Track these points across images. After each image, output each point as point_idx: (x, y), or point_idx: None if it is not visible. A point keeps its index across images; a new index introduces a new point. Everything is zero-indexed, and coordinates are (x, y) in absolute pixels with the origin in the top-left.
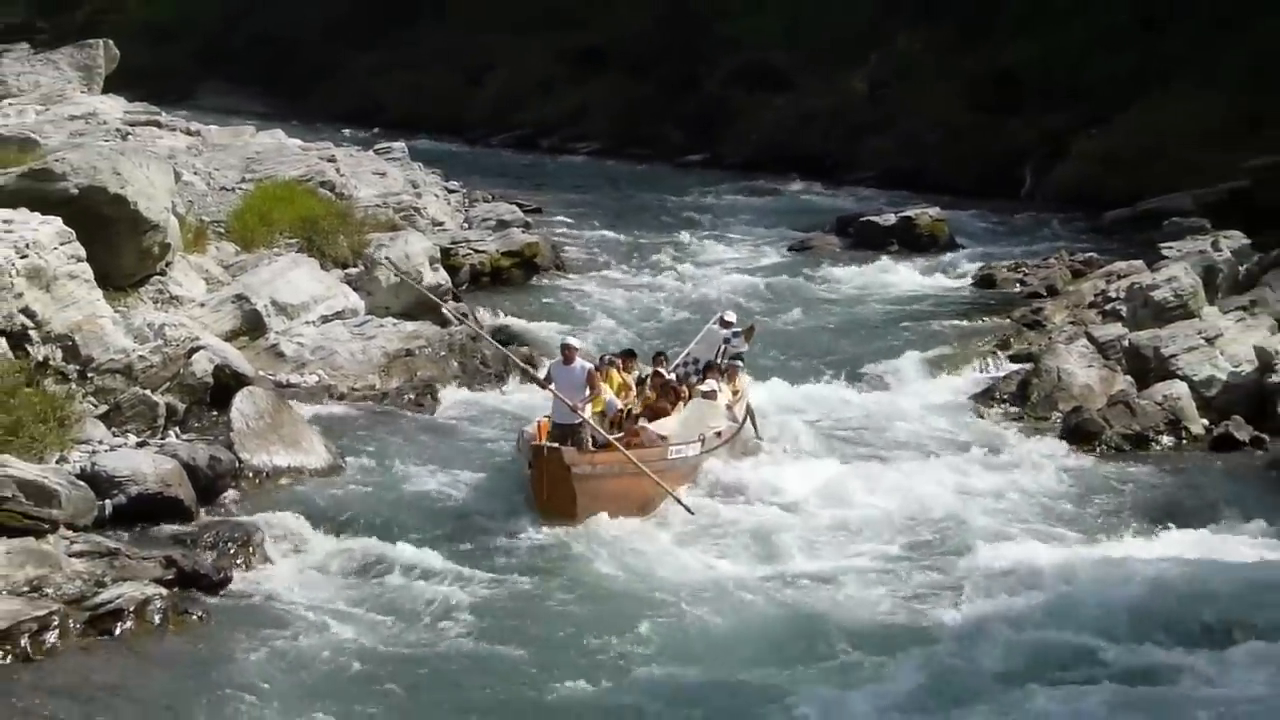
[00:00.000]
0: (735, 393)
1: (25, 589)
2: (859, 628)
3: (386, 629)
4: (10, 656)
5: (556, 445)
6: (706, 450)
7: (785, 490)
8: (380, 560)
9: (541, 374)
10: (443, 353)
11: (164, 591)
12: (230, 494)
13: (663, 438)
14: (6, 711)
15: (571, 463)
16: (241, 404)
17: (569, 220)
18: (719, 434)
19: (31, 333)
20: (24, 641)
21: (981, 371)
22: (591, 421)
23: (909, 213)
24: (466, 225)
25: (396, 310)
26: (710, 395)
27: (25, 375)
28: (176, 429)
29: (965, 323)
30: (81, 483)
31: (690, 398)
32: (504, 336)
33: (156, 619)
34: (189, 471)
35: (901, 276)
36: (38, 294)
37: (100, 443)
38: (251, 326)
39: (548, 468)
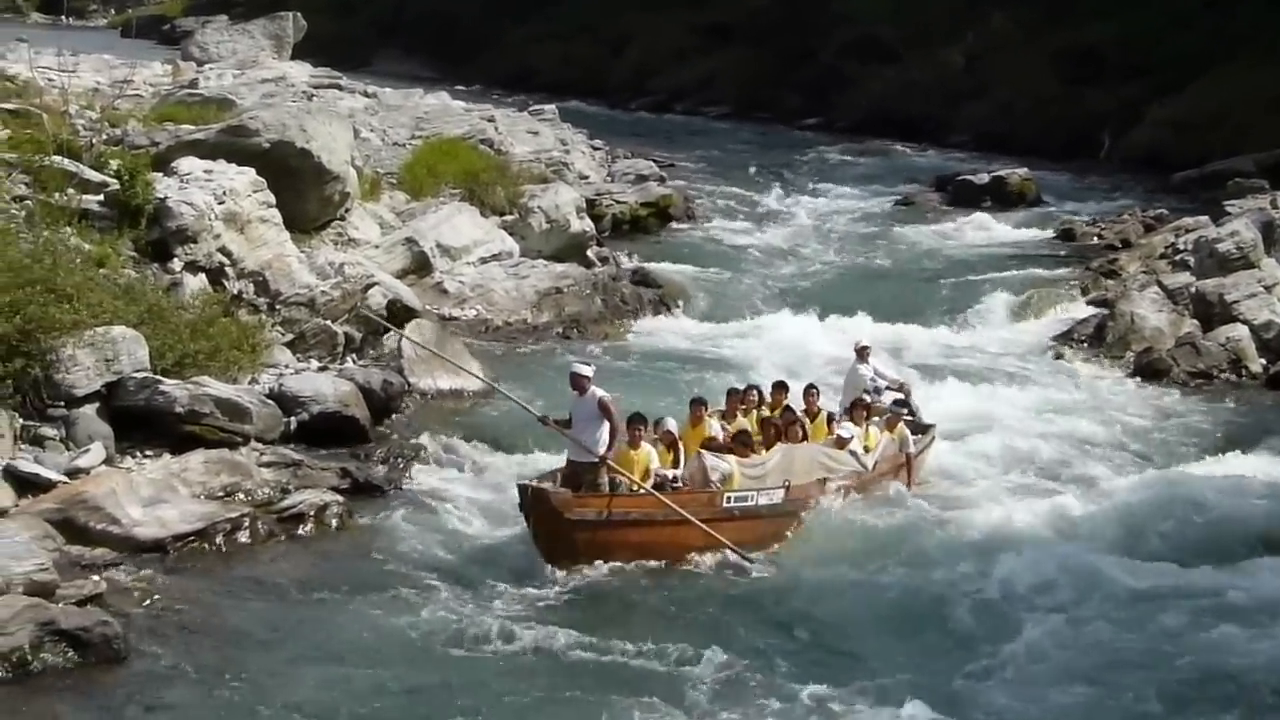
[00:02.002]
0: (891, 436)
1: (220, 494)
2: (958, 534)
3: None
4: (207, 552)
5: (544, 486)
6: (794, 499)
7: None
8: (527, 469)
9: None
10: (587, 291)
11: (340, 499)
12: (400, 413)
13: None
14: (203, 598)
15: (564, 508)
16: (410, 334)
17: (699, 175)
18: (821, 482)
19: (228, 269)
20: (219, 539)
21: (1063, 315)
22: (616, 465)
23: (1000, 172)
24: (609, 179)
25: (547, 253)
26: (841, 442)
27: (222, 307)
28: (353, 355)
29: (1048, 271)
30: (270, 402)
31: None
32: (640, 277)
33: (333, 522)
34: (364, 393)
35: (993, 229)
36: (234, 235)
37: (287, 367)
38: (419, 266)
39: (538, 515)
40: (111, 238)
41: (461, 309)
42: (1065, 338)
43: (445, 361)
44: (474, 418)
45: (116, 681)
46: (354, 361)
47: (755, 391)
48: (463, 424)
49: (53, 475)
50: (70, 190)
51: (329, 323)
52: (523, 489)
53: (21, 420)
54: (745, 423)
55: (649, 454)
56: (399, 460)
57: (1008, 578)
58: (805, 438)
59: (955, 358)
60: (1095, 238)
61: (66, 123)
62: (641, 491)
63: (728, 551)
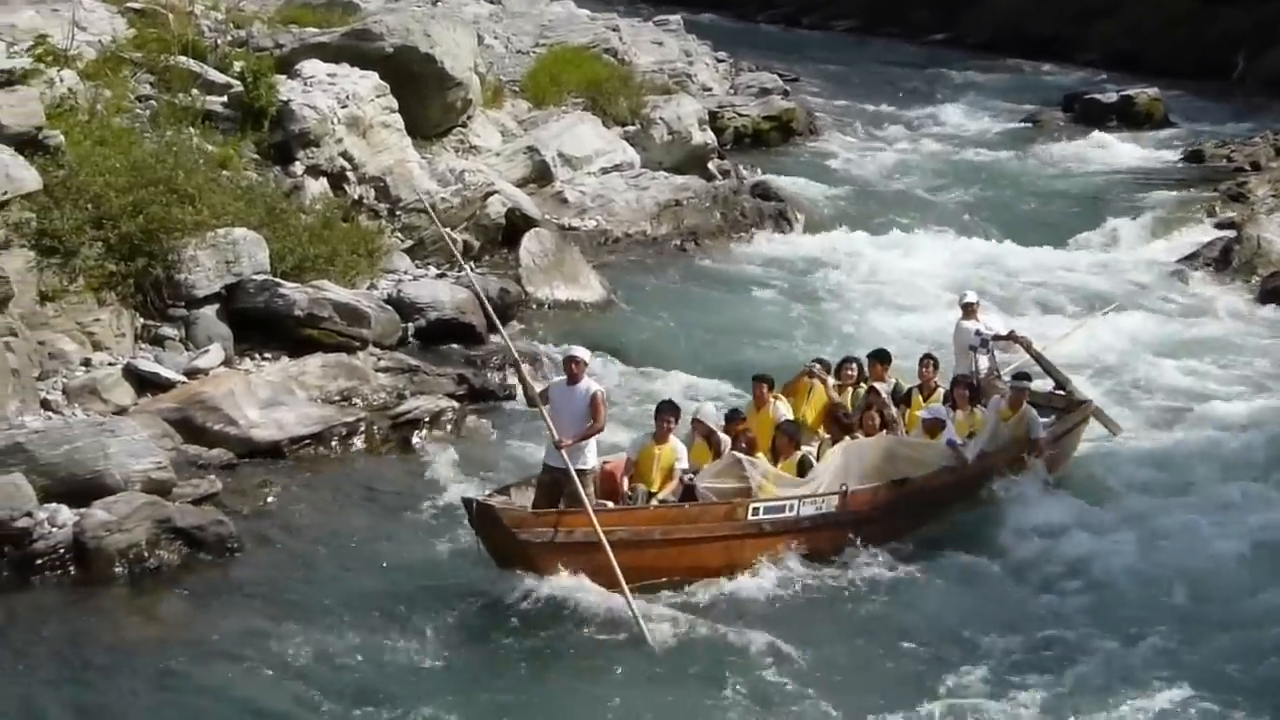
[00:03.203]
0: (1009, 418)
1: (337, 398)
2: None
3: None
4: (322, 456)
5: (493, 502)
6: (853, 507)
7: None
8: (641, 381)
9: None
10: (707, 204)
11: (455, 405)
12: (516, 322)
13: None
14: (317, 502)
15: (519, 527)
16: (529, 243)
17: (823, 90)
18: (899, 484)
19: (349, 174)
20: (334, 443)
21: (1188, 238)
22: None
23: (1129, 92)
24: (732, 91)
25: (668, 165)
26: (933, 426)
27: (343, 211)
28: (472, 263)
29: (1175, 193)
30: (388, 307)
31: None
32: (761, 191)
33: (448, 428)
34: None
35: (1119, 150)
36: (355, 140)
37: (405, 273)
38: (540, 175)
39: (489, 537)
40: (234, 139)
41: (581, 219)
42: (1190, 260)
43: (568, 271)
44: (590, 328)
45: (229, 580)
46: (472, 269)
47: (854, 365)
48: (579, 333)
49: (172, 375)
50: (194, 91)
51: (449, 229)
52: (468, 504)
53: (142, 320)
54: (778, 408)
55: (675, 452)
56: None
57: (1128, 537)
58: (885, 426)
59: (1078, 279)
60: (1224, 160)
61: (192, 23)
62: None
63: (629, 608)
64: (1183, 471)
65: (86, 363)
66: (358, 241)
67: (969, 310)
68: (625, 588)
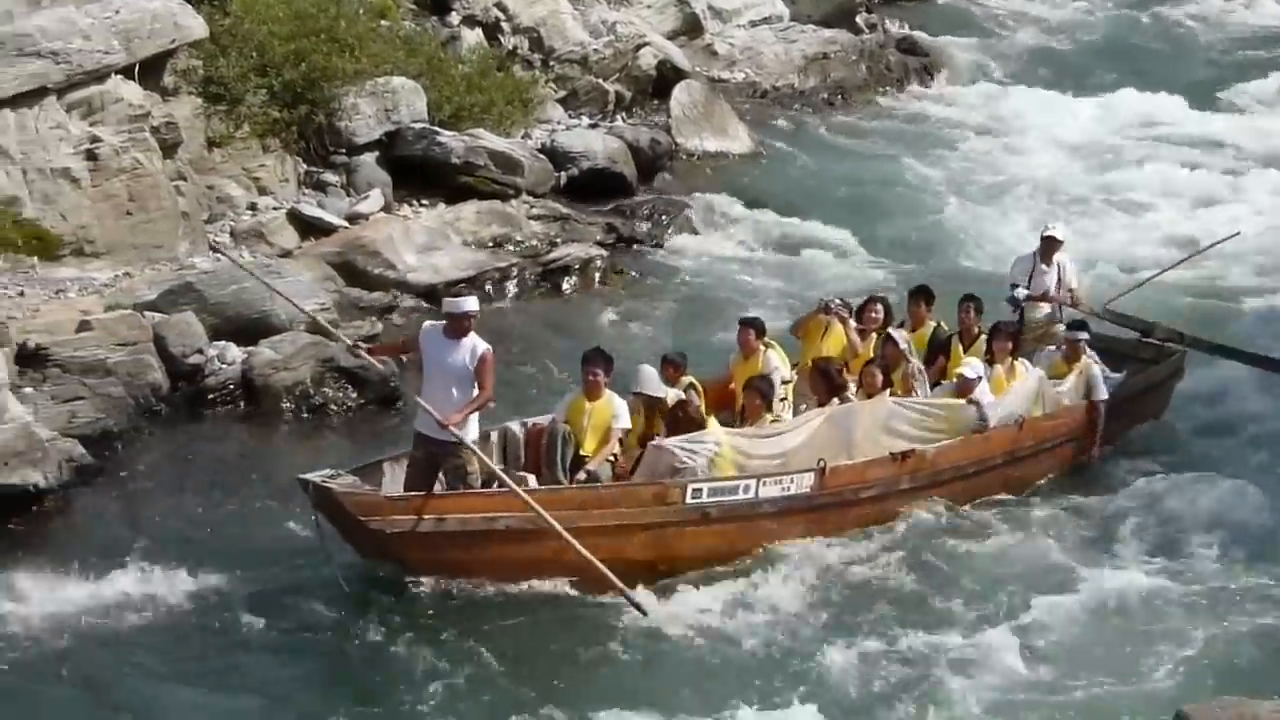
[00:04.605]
0: (1065, 375)
1: (490, 244)
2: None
3: (789, 289)
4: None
5: (331, 485)
6: (834, 487)
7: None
8: (791, 232)
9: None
10: (854, 58)
11: (604, 253)
12: (666, 173)
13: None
14: None
15: (366, 514)
16: (679, 94)
17: None
18: (901, 457)
19: (503, 24)
20: (488, 287)
21: None
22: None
23: None
24: None
25: (817, 18)
26: (963, 386)
27: (497, 61)
28: (623, 114)
29: None
30: (541, 156)
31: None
32: (907, 45)
33: (596, 276)
34: (632, 151)
35: (1263, 9)
36: None
37: (558, 123)
38: (690, 27)
39: (337, 524)
40: None
41: (730, 71)
42: None
43: (717, 123)
44: (739, 178)
45: (389, 419)
46: (624, 119)
47: (879, 306)
48: (728, 184)
49: (334, 220)
50: None
51: (600, 80)
52: (304, 485)
53: (305, 166)
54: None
55: (611, 407)
56: (663, 217)
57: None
58: (888, 384)
59: (1215, 141)
60: None
61: None
62: (504, 488)
63: (612, 584)
64: None
65: (252, 207)
66: (512, 91)
67: (1050, 245)
68: (600, 565)
